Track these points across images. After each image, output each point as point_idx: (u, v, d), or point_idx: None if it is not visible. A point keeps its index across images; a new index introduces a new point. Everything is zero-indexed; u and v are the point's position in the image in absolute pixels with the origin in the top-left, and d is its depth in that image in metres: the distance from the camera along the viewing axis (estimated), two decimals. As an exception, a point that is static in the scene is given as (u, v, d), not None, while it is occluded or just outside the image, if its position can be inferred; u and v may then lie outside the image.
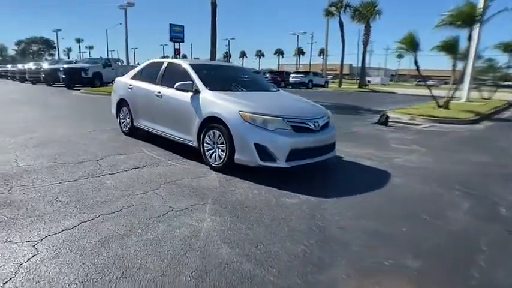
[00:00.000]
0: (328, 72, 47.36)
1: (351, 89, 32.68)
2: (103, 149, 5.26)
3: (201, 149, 4.45)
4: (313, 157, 4.18)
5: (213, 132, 4.23)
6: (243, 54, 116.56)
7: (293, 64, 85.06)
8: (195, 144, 4.57)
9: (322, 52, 66.90)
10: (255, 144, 3.81)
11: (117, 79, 6.77)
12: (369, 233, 2.68)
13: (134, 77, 6.12)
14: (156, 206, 3.11)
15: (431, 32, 11.46)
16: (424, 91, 11.85)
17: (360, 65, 39.81)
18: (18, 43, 71.40)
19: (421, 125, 9.53)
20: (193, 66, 5.06)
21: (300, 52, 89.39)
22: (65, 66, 19.78)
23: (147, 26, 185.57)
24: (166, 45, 71.27)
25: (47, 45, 72.79)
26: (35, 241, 2.39)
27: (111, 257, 2.21)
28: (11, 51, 70.54)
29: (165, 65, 5.53)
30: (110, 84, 16.16)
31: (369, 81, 41.67)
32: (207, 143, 4.35)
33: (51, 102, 12.80)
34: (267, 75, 35.15)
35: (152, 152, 5.19)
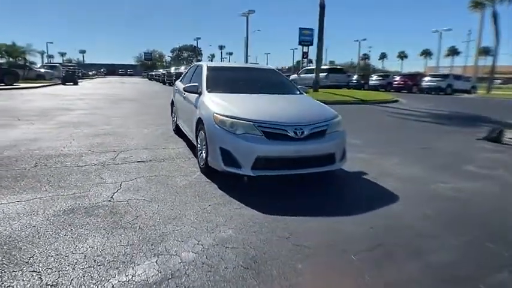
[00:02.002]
0: (497, 75, 39.37)
1: (505, 96, 26.60)
2: (139, 143, 6.11)
3: (196, 150, 4.70)
4: (291, 168, 3.85)
5: (201, 134, 4.41)
6: (383, 56, 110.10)
7: (444, 66, 74.77)
8: (195, 144, 4.84)
9: (485, 51, 56.76)
10: (220, 148, 3.80)
11: (176, 82, 7.69)
12: (240, 255, 2.38)
13: (181, 80, 6.86)
14: (103, 195, 3.52)
15: None
16: None
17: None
18: (173, 51, 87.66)
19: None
20: (208, 68, 5.36)
21: (454, 52, 77.96)
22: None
23: (280, 31, 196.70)
24: (296, 49, 73.73)
25: (195, 52, 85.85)
26: (-15, 206, 3.13)
27: (7, 227, 2.72)
28: (168, 58, 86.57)
29: (195, 67, 6.02)
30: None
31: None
32: (199, 144, 4.56)
33: (155, 101, 15.19)
34: (396, 79, 32.29)
35: (176, 149, 5.74)
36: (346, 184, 4.37)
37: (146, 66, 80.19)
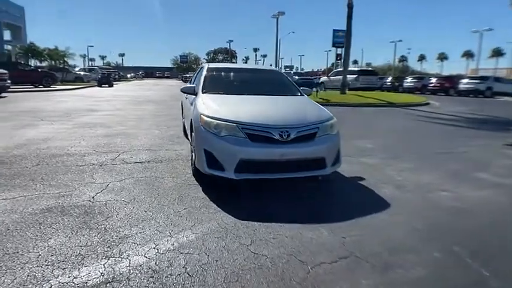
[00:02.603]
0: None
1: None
2: (145, 144, 6.21)
3: (190, 151, 4.68)
4: (277, 172, 3.71)
5: (193, 135, 4.37)
6: (421, 58, 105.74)
7: (488, 68, 70.02)
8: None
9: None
10: (204, 150, 3.74)
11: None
12: (190, 262, 2.28)
13: (189, 82, 6.90)
14: (86, 195, 3.57)
15: None
16: None
17: None
18: (208, 53, 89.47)
19: None
20: (208, 69, 5.34)
21: (498, 53, 73.01)
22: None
23: (314, 32, 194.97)
24: (329, 51, 72.46)
25: (230, 55, 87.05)
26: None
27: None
28: (203, 60, 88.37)
29: (200, 68, 6.03)
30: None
31: None
32: (192, 146, 4.53)
33: (179, 103, 15.48)
34: (432, 81, 30.88)
35: (179, 151, 5.75)
36: (338, 190, 4.14)
37: (182, 68, 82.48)
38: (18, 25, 34.24)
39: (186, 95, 5.68)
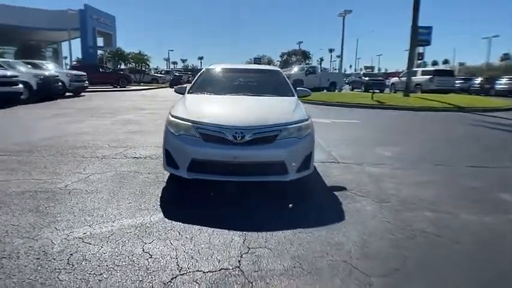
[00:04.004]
0: None
1: None
2: (158, 141, 6.60)
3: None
4: (230, 175, 3.70)
5: None
6: (505, 58, 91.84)
7: None
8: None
9: None
10: (165, 148, 3.94)
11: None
12: (79, 252, 2.46)
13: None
14: (63, 183, 4.04)
15: None
16: None
17: None
18: (282, 55, 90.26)
19: None
20: (206, 69, 5.58)
21: None
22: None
23: (394, 30, 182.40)
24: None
25: (304, 56, 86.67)
26: (-26, 182, 3.98)
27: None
28: (277, 62, 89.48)
29: (204, 70, 6.28)
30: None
31: None
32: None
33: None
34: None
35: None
36: (304, 198, 3.92)
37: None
38: (110, 33, 39.20)
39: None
